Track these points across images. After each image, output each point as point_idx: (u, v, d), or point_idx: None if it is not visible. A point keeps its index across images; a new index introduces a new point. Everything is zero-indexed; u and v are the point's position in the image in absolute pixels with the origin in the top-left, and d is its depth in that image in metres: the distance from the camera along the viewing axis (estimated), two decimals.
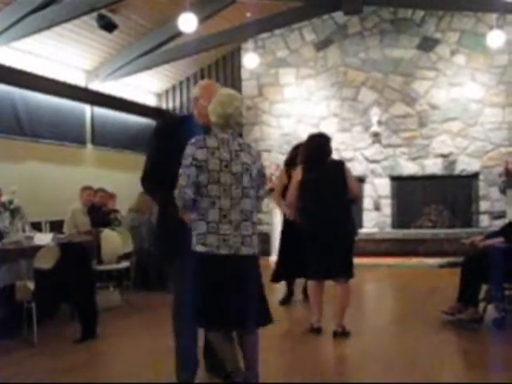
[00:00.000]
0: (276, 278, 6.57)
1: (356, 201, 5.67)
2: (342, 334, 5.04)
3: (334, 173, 5.23)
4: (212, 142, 3.28)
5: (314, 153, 5.31)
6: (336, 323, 5.10)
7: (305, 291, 6.53)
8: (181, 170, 3.23)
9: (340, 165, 5.32)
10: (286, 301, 6.65)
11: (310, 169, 5.24)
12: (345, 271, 5.12)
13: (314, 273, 5.21)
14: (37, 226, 6.36)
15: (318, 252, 5.10)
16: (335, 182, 5.19)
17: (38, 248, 5.16)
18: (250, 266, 3.34)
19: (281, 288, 6.84)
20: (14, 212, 5.89)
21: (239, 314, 3.25)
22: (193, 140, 3.28)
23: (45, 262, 5.05)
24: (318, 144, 5.33)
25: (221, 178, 3.24)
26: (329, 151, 5.33)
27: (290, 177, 6.34)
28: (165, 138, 3.65)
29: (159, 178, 3.53)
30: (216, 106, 3.37)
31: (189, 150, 3.24)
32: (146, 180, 3.64)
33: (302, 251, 5.70)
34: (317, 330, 5.14)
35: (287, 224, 6.45)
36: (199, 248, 3.23)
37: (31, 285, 5.04)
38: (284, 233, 6.64)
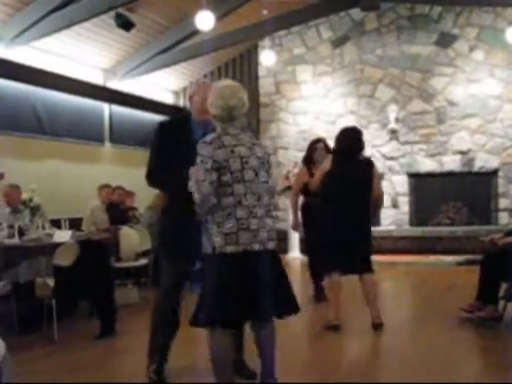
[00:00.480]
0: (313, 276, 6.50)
1: (378, 205, 5.64)
2: (380, 324, 5.10)
3: (362, 171, 5.25)
4: (228, 139, 3.21)
5: (345, 147, 5.28)
6: (374, 315, 5.15)
7: (315, 291, 6.48)
8: (200, 175, 3.12)
9: (370, 164, 5.35)
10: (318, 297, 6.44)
11: (341, 162, 5.20)
12: (367, 266, 5.20)
13: (334, 267, 5.19)
14: (56, 224, 6.41)
15: (340, 246, 5.11)
16: (362, 181, 5.21)
17: (58, 245, 5.22)
18: (276, 259, 3.35)
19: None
20: (34, 210, 5.96)
21: (269, 305, 3.23)
22: (207, 139, 3.20)
23: (64, 259, 5.10)
24: (350, 138, 5.31)
25: (244, 176, 3.18)
26: (361, 146, 5.32)
27: (311, 175, 6.25)
28: (165, 135, 3.78)
29: (161, 173, 3.67)
30: (217, 98, 3.27)
31: (205, 150, 3.15)
32: (151, 176, 3.76)
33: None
34: (335, 328, 5.12)
35: (309, 223, 6.34)
36: (230, 248, 3.15)
37: (51, 281, 5.09)
38: (308, 233, 6.52)
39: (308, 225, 6.47)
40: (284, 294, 3.34)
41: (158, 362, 3.79)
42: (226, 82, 3.42)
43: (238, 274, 3.16)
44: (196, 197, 3.14)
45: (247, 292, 3.17)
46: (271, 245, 3.28)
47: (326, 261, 5.29)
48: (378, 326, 5.10)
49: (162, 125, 3.95)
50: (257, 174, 3.24)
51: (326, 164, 5.29)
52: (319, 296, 6.38)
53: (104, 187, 7.89)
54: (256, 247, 3.19)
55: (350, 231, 5.11)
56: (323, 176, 5.23)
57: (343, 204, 5.12)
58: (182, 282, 3.74)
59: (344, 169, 5.18)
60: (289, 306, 3.35)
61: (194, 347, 4.77)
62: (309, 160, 6.41)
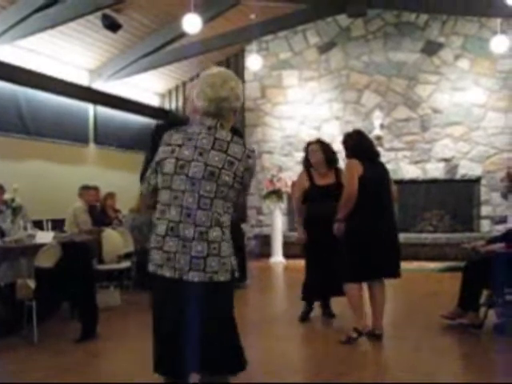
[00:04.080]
0: (305, 297, 6.03)
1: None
2: (380, 336, 4.98)
3: (385, 171, 5.18)
4: (177, 137, 2.64)
5: (370, 149, 5.17)
6: (377, 325, 5.02)
7: (325, 305, 6.08)
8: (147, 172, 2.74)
9: (384, 165, 5.28)
10: (305, 317, 5.99)
11: (370, 165, 4.99)
12: (396, 270, 5.08)
13: (365, 274, 4.98)
14: (38, 225, 6.37)
15: (375, 252, 4.87)
16: (388, 181, 5.13)
17: (40, 246, 5.17)
18: (201, 296, 2.53)
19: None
20: (16, 210, 5.90)
21: (181, 359, 2.55)
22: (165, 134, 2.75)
23: (46, 261, 5.05)
24: (369, 139, 5.22)
25: (173, 183, 2.56)
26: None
27: (311, 178, 5.92)
28: (158, 140, 3.58)
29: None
30: (204, 87, 2.65)
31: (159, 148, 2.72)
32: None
33: (331, 268, 5.48)
34: (375, 336, 5.00)
35: (311, 242, 5.88)
36: (149, 267, 2.64)
37: (32, 283, 5.04)
38: (309, 251, 5.98)
39: (310, 238, 5.93)
40: (207, 342, 2.53)
41: None
42: (217, 69, 2.76)
43: (158, 301, 2.68)
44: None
45: (163, 334, 2.62)
46: (194, 276, 2.50)
47: (357, 269, 4.92)
48: (378, 337, 4.97)
49: (158, 127, 3.78)
50: (195, 185, 2.53)
51: (356, 167, 4.92)
52: (306, 317, 5.98)
53: (85, 188, 7.83)
54: (167, 273, 2.55)
55: (385, 235, 4.95)
56: (357, 180, 4.88)
57: (378, 206, 4.95)
58: None
59: (377, 172, 5.05)
60: (224, 361, 2.58)
61: None
62: (307, 163, 6.04)
